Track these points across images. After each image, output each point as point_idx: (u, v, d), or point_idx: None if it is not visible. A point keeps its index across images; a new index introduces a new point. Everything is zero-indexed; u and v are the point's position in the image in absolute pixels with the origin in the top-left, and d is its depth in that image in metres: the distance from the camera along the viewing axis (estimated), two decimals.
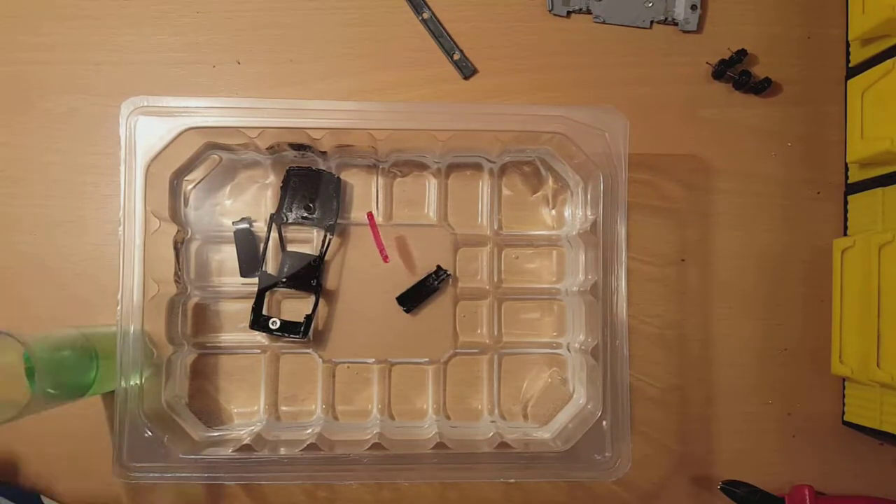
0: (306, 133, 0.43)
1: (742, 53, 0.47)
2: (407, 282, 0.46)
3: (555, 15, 0.48)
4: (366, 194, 0.47)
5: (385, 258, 0.44)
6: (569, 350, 0.47)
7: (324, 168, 0.46)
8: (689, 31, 0.48)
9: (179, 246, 0.45)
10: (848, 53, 0.48)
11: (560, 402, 0.46)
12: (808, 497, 0.45)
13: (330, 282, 0.46)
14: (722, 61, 0.47)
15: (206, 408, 0.46)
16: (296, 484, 0.45)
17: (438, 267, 0.46)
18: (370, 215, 0.44)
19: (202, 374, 0.46)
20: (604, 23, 0.48)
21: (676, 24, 0.48)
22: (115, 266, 0.40)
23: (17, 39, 0.47)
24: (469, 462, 0.41)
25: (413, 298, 0.46)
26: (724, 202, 0.48)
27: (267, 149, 0.45)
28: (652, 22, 0.48)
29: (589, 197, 0.44)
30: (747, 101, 0.48)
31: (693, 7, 0.47)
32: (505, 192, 0.47)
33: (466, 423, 0.46)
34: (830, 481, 0.47)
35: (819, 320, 0.48)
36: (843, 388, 0.47)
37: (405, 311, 0.46)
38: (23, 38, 0.47)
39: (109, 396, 0.40)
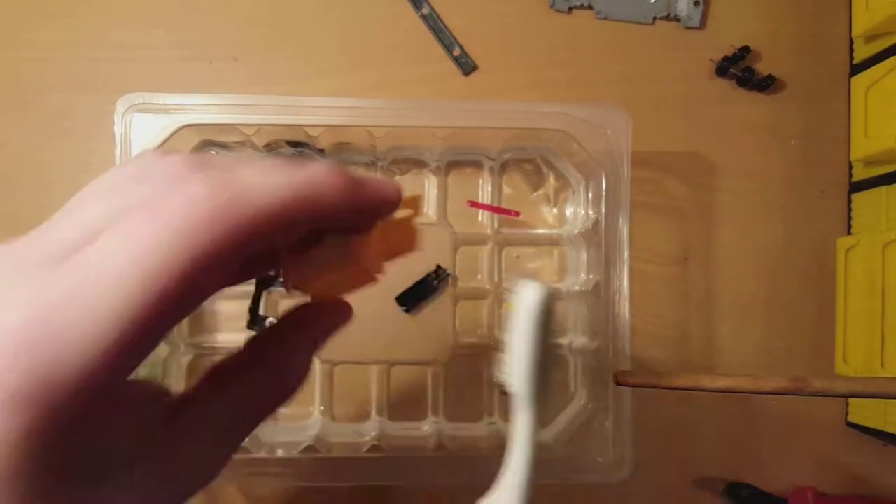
0: (304, 130, 0.42)
1: (745, 50, 0.47)
2: (406, 281, 0.46)
3: (556, 11, 0.47)
4: None
5: (516, 214, 0.45)
6: (570, 350, 0.46)
7: None
8: (691, 28, 0.48)
9: None
10: (852, 50, 0.48)
11: (561, 403, 0.46)
12: (811, 498, 0.44)
13: None
14: (725, 58, 0.47)
15: None
16: (294, 485, 0.44)
17: (438, 266, 0.46)
18: (471, 203, 0.45)
19: (199, 375, 0.45)
20: (605, 18, 0.47)
21: (679, 20, 0.47)
22: None
23: (11, 37, 0.46)
24: (469, 463, 0.41)
25: (412, 298, 0.46)
26: (727, 200, 0.47)
27: (264, 146, 0.44)
28: (654, 18, 0.47)
29: (591, 195, 0.43)
30: (750, 98, 0.48)
31: (696, 3, 0.47)
32: (505, 190, 0.47)
33: (466, 423, 0.46)
34: (834, 482, 0.46)
35: (822, 320, 0.47)
36: None
37: (404, 310, 0.46)
38: (17, 36, 0.46)
39: None
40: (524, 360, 0.23)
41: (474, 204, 0.46)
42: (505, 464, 0.24)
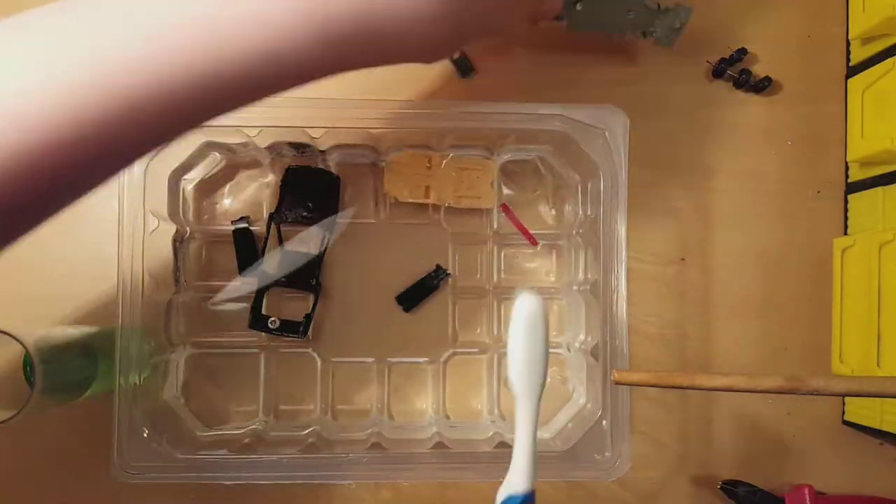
0: (305, 132, 0.42)
1: (742, 52, 0.47)
2: (406, 281, 0.46)
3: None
4: (365, 193, 0.47)
5: (534, 243, 0.46)
6: (568, 349, 0.46)
7: (323, 167, 0.46)
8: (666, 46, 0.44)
9: (178, 245, 0.45)
10: (848, 52, 0.48)
11: (559, 402, 0.46)
12: (808, 497, 0.45)
13: (329, 281, 0.46)
14: (722, 60, 0.47)
15: (205, 407, 0.46)
16: (294, 484, 0.45)
17: (437, 266, 0.46)
18: (505, 207, 0.46)
19: (201, 374, 0.46)
20: (576, 31, 0.43)
21: (656, 39, 0.43)
22: (114, 265, 0.40)
23: None
24: (468, 462, 0.41)
25: (412, 297, 0.46)
26: (724, 201, 0.48)
27: (266, 148, 0.45)
28: (631, 33, 0.43)
29: (589, 196, 0.44)
30: (747, 99, 0.48)
31: (677, 28, 0.43)
32: (504, 190, 0.47)
33: (466, 422, 0.46)
34: (830, 481, 0.47)
35: (819, 320, 0.47)
36: None
37: (404, 310, 0.46)
38: None
39: (108, 396, 0.40)
40: (521, 359, 0.27)
41: (506, 209, 0.46)
42: (514, 450, 0.28)
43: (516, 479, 0.27)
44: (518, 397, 0.27)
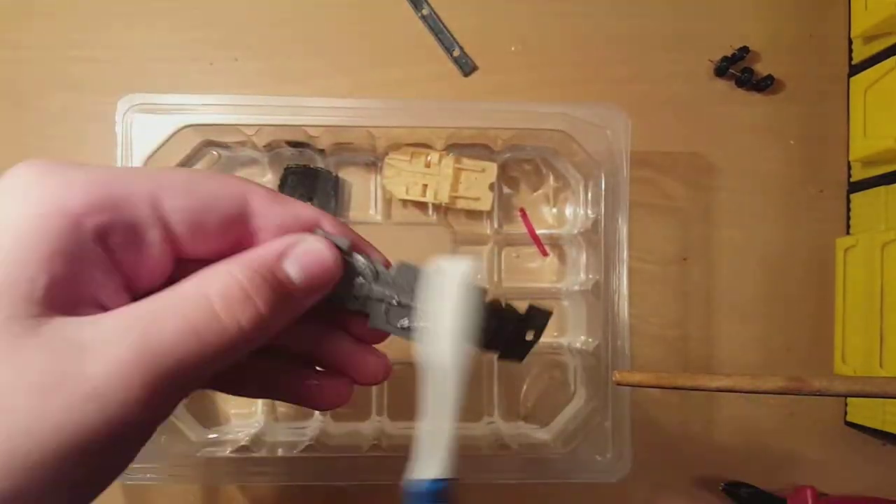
0: (304, 131, 0.42)
1: (744, 50, 0.47)
2: None
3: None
4: (364, 192, 0.46)
5: (545, 253, 0.45)
6: (570, 350, 0.46)
7: (322, 166, 0.46)
8: None
9: None
10: (850, 51, 0.48)
11: (561, 402, 0.46)
12: (810, 498, 0.44)
13: None
14: (724, 58, 0.47)
15: (204, 409, 0.45)
16: (294, 485, 0.44)
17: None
18: (523, 211, 0.45)
19: None
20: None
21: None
22: None
23: (7, 37, 0.46)
24: (468, 463, 0.41)
25: None
26: (726, 200, 0.48)
27: (264, 146, 0.45)
28: None
29: (590, 195, 0.44)
30: (749, 98, 0.48)
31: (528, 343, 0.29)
32: (505, 190, 0.47)
33: (466, 424, 0.46)
34: (833, 482, 0.46)
35: (821, 320, 0.47)
36: None
37: None
38: (15, 36, 0.46)
39: None
40: (454, 330, 0.25)
41: (524, 216, 0.46)
42: (425, 429, 0.24)
43: (425, 463, 0.23)
44: (439, 371, 0.24)
